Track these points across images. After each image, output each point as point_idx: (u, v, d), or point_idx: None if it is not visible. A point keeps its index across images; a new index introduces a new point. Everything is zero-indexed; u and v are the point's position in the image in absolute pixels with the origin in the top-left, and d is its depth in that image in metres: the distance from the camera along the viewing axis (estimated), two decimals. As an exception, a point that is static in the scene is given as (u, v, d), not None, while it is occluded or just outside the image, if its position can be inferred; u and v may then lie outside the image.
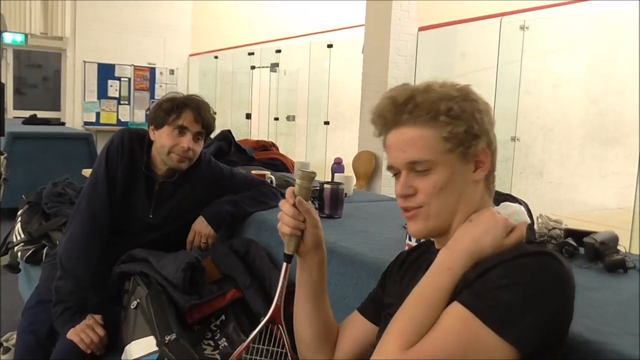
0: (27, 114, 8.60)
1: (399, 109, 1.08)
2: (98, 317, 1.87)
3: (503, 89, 5.92)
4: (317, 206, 2.09)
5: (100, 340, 1.82)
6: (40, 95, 10.33)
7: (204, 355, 1.59)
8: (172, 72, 10.51)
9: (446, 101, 1.07)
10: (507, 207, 1.75)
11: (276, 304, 1.21)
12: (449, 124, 1.06)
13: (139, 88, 10.35)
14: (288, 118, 8.68)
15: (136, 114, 10.34)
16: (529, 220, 1.75)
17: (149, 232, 2.05)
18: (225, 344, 1.58)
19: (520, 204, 1.79)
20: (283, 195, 2.39)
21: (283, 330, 1.22)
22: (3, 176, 4.66)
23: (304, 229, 1.21)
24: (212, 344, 1.61)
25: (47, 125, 7.43)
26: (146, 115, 10.38)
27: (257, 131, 9.21)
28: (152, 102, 10.40)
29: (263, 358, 1.24)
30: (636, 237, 4.36)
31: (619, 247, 1.60)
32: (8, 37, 9.00)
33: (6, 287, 3.96)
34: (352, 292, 1.61)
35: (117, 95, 10.22)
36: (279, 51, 8.60)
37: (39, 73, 10.38)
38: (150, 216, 2.04)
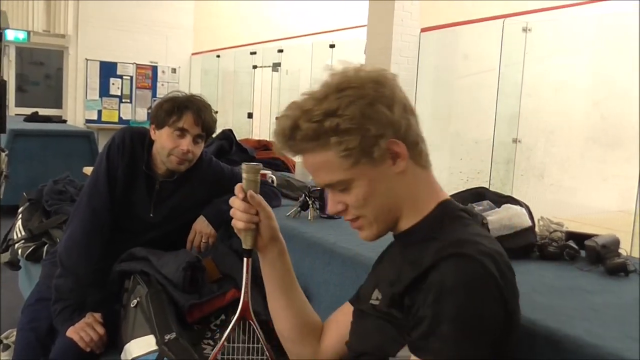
0: (29, 111, 8.61)
1: (290, 142, 1.07)
2: (98, 315, 1.87)
3: (505, 91, 5.91)
4: (318, 206, 2.09)
5: (99, 339, 1.82)
6: (42, 93, 10.34)
7: (204, 355, 1.59)
8: (174, 70, 10.52)
9: (330, 118, 1.02)
10: (508, 209, 1.76)
11: (243, 300, 1.21)
12: (341, 142, 1.03)
13: (141, 86, 10.35)
14: (289, 118, 8.68)
15: (138, 112, 10.34)
16: (530, 223, 1.76)
17: (150, 230, 2.04)
18: (226, 343, 1.58)
19: (521, 206, 1.79)
20: (284, 196, 2.40)
21: (254, 325, 1.22)
22: (4, 173, 4.66)
23: (259, 222, 1.22)
24: (212, 344, 1.61)
25: (48, 123, 7.44)
26: (148, 113, 10.38)
27: (258, 130, 9.21)
28: (154, 100, 10.40)
29: (241, 356, 1.24)
30: (637, 241, 4.35)
31: (620, 251, 1.60)
32: (10, 35, 8.99)
33: (6, 284, 3.96)
34: (352, 293, 1.61)
35: (119, 94, 10.22)
36: (281, 51, 8.60)
37: (41, 71, 10.39)
38: (151, 215, 2.04)
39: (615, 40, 5.66)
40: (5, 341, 3.03)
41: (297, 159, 1.09)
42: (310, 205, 2.05)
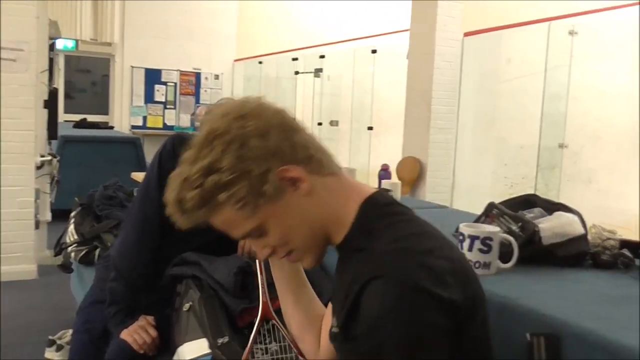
0: (76, 117, 8.85)
1: (185, 216, 1.03)
2: (150, 318, 1.91)
3: (551, 95, 5.82)
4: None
5: (152, 341, 1.86)
6: (88, 100, 10.59)
7: (255, 359, 1.61)
8: (216, 77, 10.67)
9: (209, 177, 0.98)
10: (560, 216, 1.74)
11: (262, 301, 1.21)
12: (231, 196, 0.98)
13: (185, 93, 10.53)
14: (331, 123, 8.70)
15: (182, 118, 10.52)
16: (582, 230, 1.73)
17: (200, 235, 2.06)
18: (276, 348, 1.60)
19: (573, 213, 1.77)
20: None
21: (277, 323, 1.24)
22: (56, 178, 4.82)
23: None
24: (263, 348, 1.63)
25: (96, 129, 7.63)
26: (191, 119, 10.55)
27: (300, 136, 9.24)
28: (197, 106, 10.56)
29: (271, 356, 1.25)
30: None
31: (677, 259, 1.57)
32: (60, 44, 9.25)
33: (58, 286, 4.08)
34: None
35: (164, 100, 10.42)
36: (322, 57, 8.64)
37: (88, 78, 10.65)
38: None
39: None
40: (58, 342, 3.12)
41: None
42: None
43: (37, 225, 4.51)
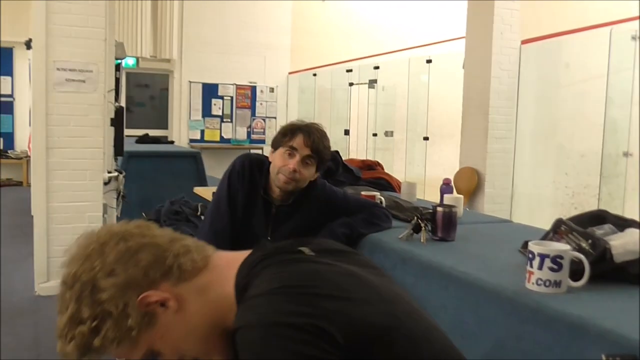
0: (135, 132, 9.09)
1: None
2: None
3: (613, 101, 5.67)
4: (430, 229, 2.10)
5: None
6: (147, 114, 10.86)
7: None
8: (272, 90, 10.81)
9: (77, 329, 0.96)
10: (633, 233, 1.71)
11: None
12: (104, 340, 0.96)
13: (241, 106, 10.70)
14: (386, 134, 8.70)
15: (238, 132, 10.69)
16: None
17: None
18: None
19: (645, 230, 1.74)
20: (394, 217, 2.43)
21: None
22: (121, 193, 4.98)
23: None
24: None
25: (158, 144, 7.83)
26: (248, 132, 10.71)
27: (355, 147, 9.29)
28: (253, 119, 10.72)
29: None
30: None
31: None
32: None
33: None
34: (471, 318, 1.61)
35: (220, 114, 10.60)
36: (377, 67, 8.65)
37: (146, 92, 10.93)
38: (269, 238, 2.13)
39: None
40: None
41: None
42: (423, 228, 2.06)
43: (105, 239, 4.65)
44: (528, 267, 1.54)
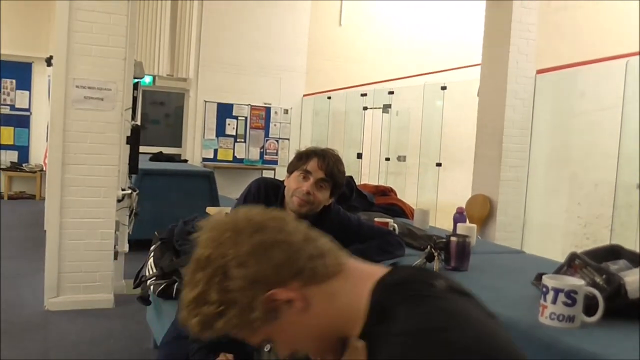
0: (150, 149, 9.17)
1: (203, 335, 1.02)
2: (230, 356, 1.97)
3: (628, 132, 5.66)
4: (443, 257, 2.10)
5: (233, 379, 1.91)
6: (162, 131, 10.94)
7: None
8: (286, 111, 10.87)
9: (202, 307, 0.98)
10: (647, 270, 1.70)
11: None
12: (226, 324, 0.98)
13: (255, 127, 10.76)
14: (399, 158, 8.71)
15: (251, 152, 10.75)
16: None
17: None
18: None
19: (660, 266, 1.73)
20: (407, 244, 2.44)
21: None
22: (134, 211, 5.01)
23: None
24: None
25: (171, 162, 7.89)
26: (261, 152, 10.76)
27: (367, 170, 9.30)
28: (267, 140, 10.77)
29: None
30: None
31: None
32: (139, 79, 9.67)
33: (134, 316, 4.23)
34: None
35: (234, 133, 10.67)
36: (391, 92, 8.69)
37: (162, 110, 11.02)
38: (282, 262, 2.14)
39: None
40: (136, 372, 3.22)
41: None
42: (436, 257, 2.07)
43: (116, 255, 4.69)
44: (542, 301, 1.54)
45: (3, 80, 10.12)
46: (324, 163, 2.10)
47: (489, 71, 6.13)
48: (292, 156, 2.24)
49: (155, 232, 3.47)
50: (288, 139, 10.86)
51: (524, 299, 1.73)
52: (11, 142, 10.27)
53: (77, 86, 4.33)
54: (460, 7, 11.07)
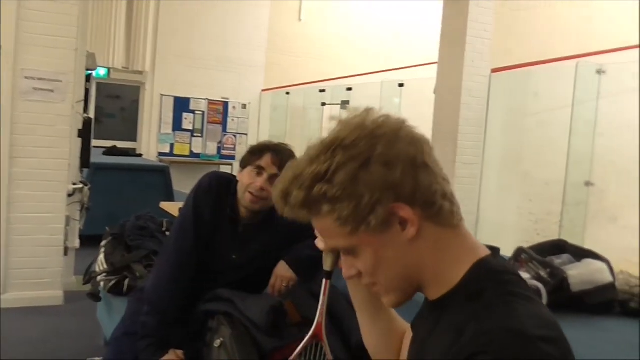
0: (104, 143, 8.99)
1: (286, 209, 0.96)
2: (180, 352, 1.95)
3: (577, 132, 5.81)
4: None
5: (182, 376, 1.90)
6: (117, 125, 10.74)
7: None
8: (244, 106, 10.79)
9: (318, 184, 0.91)
10: (589, 264, 1.75)
11: (317, 321, 1.19)
12: (333, 211, 0.91)
13: (212, 121, 10.66)
14: (356, 155, 8.74)
15: (208, 147, 10.64)
16: (611, 278, 1.74)
17: (233, 272, 2.12)
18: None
19: (602, 261, 1.78)
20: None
21: (325, 346, 1.23)
22: (86, 206, 4.91)
23: None
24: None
25: (126, 157, 7.75)
26: (218, 147, 10.67)
27: (325, 167, 9.29)
28: (224, 135, 10.69)
29: None
30: None
31: None
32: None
33: (85, 313, 4.14)
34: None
35: (191, 128, 10.54)
36: (350, 89, 8.72)
37: (117, 103, 10.82)
38: (234, 257, 2.12)
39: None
40: (86, 370, 3.16)
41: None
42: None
43: (66, 251, 4.59)
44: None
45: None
46: (277, 158, 2.08)
47: (445, 69, 6.19)
48: (249, 152, 2.21)
49: (107, 228, 3.41)
50: (246, 134, 10.79)
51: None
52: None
53: (26, 77, 4.21)
54: (418, 6, 11.17)
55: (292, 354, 1.73)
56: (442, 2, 6.33)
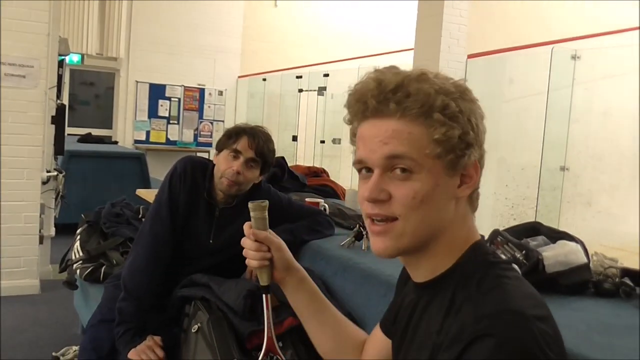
0: (79, 130, 8.87)
1: (386, 96, 0.91)
2: (158, 338, 1.94)
3: (552, 117, 5.87)
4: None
5: (159, 361, 1.89)
6: (91, 112, 10.61)
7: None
8: (220, 93, 10.71)
9: (443, 96, 0.90)
10: (564, 245, 1.77)
11: (267, 336, 1.21)
12: (443, 125, 0.89)
13: (188, 108, 10.57)
14: (334, 141, 8.73)
15: (185, 134, 10.56)
16: (585, 259, 1.76)
17: (209, 256, 2.12)
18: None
19: (576, 242, 1.80)
20: (337, 224, 2.45)
21: (281, 357, 1.24)
22: (61, 193, 4.85)
23: (271, 258, 1.17)
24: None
25: (101, 144, 7.66)
26: (194, 134, 10.59)
27: (302, 153, 9.30)
28: (201, 122, 10.61)
29: None
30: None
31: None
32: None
33: (61, 302, 4.11)
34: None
35: (167, 115, 10.45)
36: (326, 75, 8.69)
37: (92, 91, 10.68)
38: (210, 241, 2.11)
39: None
40: (62, 358, 3.14)
41: (368, 128, 0.94)
42: (365, 236, 2.08)
43: (41, 240, 4.53)
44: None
45: None
46: (254, 142, 2.07)
47: (421, 55, 6.20)
48: (225, 137, 2.19)
49: (82, 215, 3.38)
50: (223, 121, 10.72)
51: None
52: None
53: (-4, 62, 4.13)
54: (395, -8, 11.16)
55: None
56: (419, -13, 6.33)
